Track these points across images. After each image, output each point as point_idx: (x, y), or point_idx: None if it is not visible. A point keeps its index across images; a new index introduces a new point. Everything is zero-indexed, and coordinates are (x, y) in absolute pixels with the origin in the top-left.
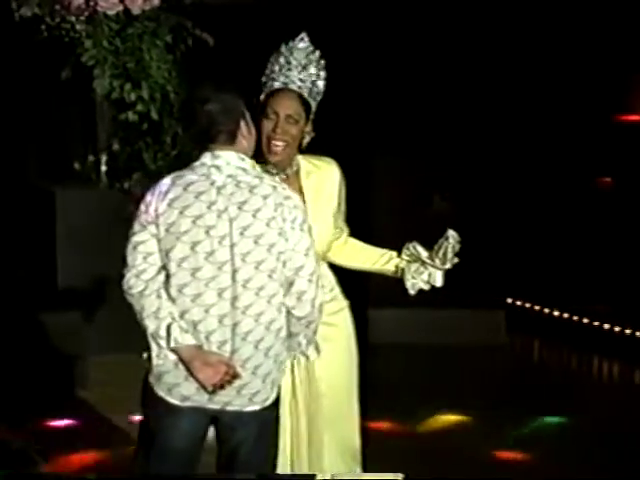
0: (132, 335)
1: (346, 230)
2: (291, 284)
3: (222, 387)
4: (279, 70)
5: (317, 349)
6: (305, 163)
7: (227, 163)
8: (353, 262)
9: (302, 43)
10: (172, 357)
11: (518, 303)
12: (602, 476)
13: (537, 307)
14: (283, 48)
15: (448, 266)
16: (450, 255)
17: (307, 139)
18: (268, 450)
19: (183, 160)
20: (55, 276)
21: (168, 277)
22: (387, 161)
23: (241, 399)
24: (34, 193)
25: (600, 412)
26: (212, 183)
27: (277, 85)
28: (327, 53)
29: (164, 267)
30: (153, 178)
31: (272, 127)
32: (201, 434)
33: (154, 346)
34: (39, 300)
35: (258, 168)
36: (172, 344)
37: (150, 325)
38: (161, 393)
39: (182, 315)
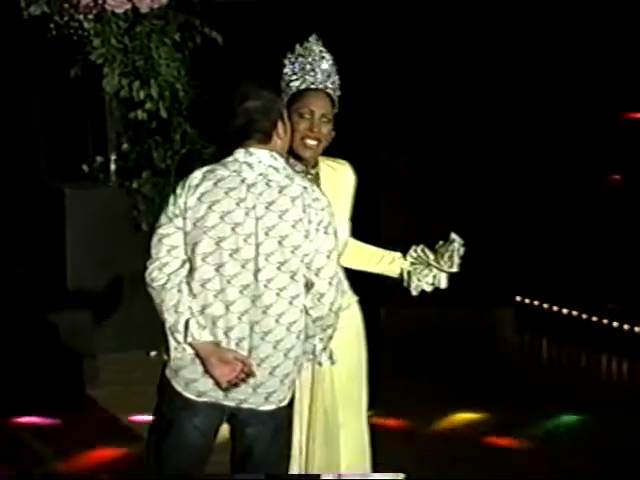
0: (141, 334)
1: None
2: (311, 285)
3: (237, 385)
4: (302, 71)
5: (331, 358)
6: (324, 166)
7: (259, 161)
8: (356, 263)
9: (316, 45)
10: (190, 351)
11: (527, 301)
12: (611, 475)
13: (546, 305)
14: (300, 50)
15: (455, 269)
16: (456, 258)
17: (331, 136)
18: (282, 448)
19: (192, 158)
20: (64, 275)
21: (192, 271)
22: (391, 160)
23: (257, 397)
24: (44, 192)
25: (609, 410)
26: (243, 180)
27: (305, 85)
28: (331, 51)
29: (188, 261)
30: (162, 176)
31: (308, 126)
32: (214, 430)
33: (172, 340)
34: (48, 299)
35: (299, 165)
36: (189, 339)
37: (169, 319)
38: (178, 387)
39: (203, 310)
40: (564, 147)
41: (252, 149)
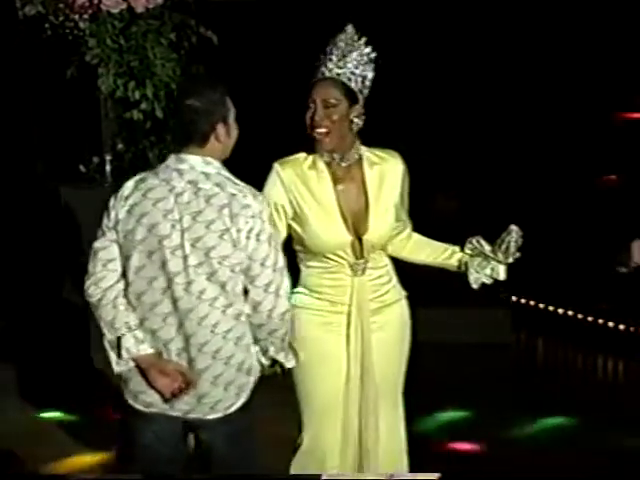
0: None
1: (409, 225)
2: (247, 292)
3: (176, 395)
4: (320, 64)
5: (295, 356)
6: (369, 154)
7: (191, 167)
8: (416, 256)
9: (344, 34)
10: (131, 364)
11: (523, 301)
12: (606, 476)
13: (542, 305)
14: (330, 42)
15: (511, 260)
16: (513, 249)
17: (357, 121)
18: (242, 449)
19: None
20: (61, 276)
21: (128, 284)
22: None
23: (202, 407)
24: (40, 193)
25: (605, 411)
26: (171, 189)
27: (316, 77)
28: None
29: (124, 273)
30: None
31: (311, 115)
32: (176, 437)
33: (112, 354)
34: (45, 300)
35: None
36: (125, 355)
37: (107, 334)
38: (129, 399)
39: (142, 322)
40: (560, 148)
41: (184, 155)
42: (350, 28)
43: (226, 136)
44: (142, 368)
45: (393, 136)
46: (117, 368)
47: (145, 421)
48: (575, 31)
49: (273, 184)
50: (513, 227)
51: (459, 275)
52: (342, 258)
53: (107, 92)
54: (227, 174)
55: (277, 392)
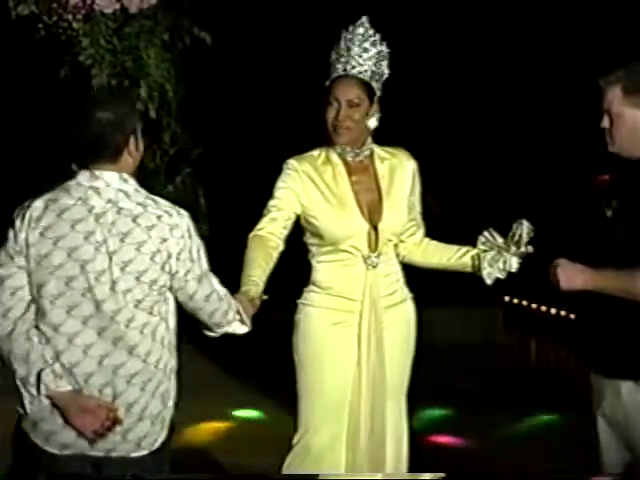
0: None
1: (422, 228)
2: (184, 305)
3: (102, 434)
4: (339, 57)
5: (243, 322)
6: (379, 150)
7: (107, 185)
8: (430, 260)
9: (361, 28)
10: (46, 402)
11: (515, 301)
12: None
13: (534, 305)
14: (343, 34)
15: (523, 250)
16: (525, 239)
17: (373, 119)
18: None
19: (181, 159)
20: None
21: (40, 314)
22: None
23: (127, 445)
24: (32, 194)
25: None
26: (90, 209)
27: (338, 72)
28: (316, 53)
29: (35, 302)
30: (151, 177)
31: (334, 114)
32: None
33: (25, 393)
34: None
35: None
36: (43, 392)
37: (19, 370)
38: (38, 441)
39: (57, 356)
40: (554, 148)
41: (98, 171)
42: (365, 21)
43: (136, 151)
44: (60, 407)
45: (383, 138)
46: (31, 407)
47: (53, 468)
48: (573, 34)
49: (288, 174)
50: (523, 220)
51: (451, 276)
52: (357, 249)
53: None
54: (145, 192)
55: (277, 393)
